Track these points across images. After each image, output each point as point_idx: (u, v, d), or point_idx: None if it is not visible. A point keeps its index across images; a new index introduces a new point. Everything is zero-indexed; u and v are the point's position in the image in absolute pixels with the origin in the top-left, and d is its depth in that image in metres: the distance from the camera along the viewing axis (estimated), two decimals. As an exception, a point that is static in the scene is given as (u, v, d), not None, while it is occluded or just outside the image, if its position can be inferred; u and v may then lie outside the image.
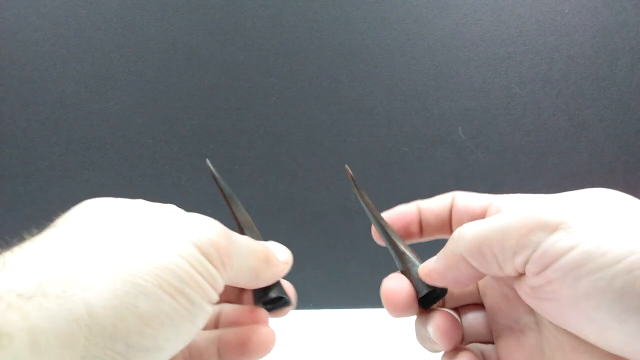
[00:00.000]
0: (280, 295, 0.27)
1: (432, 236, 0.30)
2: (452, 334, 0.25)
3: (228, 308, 0.28)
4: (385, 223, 0.29)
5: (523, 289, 0.21)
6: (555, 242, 0.18)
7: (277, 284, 0.27)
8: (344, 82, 0.48)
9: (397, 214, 0.29)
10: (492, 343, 0.27)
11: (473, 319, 0.28)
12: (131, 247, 0.20)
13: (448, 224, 0.29)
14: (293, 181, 0.49)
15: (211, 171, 0.30)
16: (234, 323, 0.27)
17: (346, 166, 0.31)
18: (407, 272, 0.27)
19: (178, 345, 0.20)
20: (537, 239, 0.19)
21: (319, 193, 0.49)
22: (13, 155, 0.48)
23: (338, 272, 0.49)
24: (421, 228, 0.29)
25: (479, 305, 0.28)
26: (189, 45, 0.48)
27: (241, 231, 0.29)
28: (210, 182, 0.47)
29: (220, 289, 0.22)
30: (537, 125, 0.49)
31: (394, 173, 0.49)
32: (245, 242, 0.24)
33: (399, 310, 0.26)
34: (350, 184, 0.30)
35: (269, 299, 0.27)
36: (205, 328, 0.27)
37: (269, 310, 0.28)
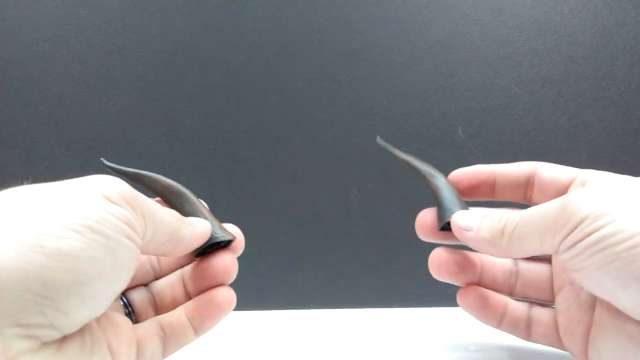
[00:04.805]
0: (213, 242, 0.29)
1: (504, 199, 0.33)
2: (444, 267, 0.32)
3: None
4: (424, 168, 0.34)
5: (559, 261, 0.26)
6: (582, 228, 0.23)
7: (211, 239, 0.29)
8: (344, 82, 0.48)
9: (472, 172, 0.33)
10: (547, 303, 0.32)
11: (535, 270, 0.33)
12: (35, 206, 0.21)
13: (523, 190, 0.32)
14: (293, 181, 0.49)
15: (110, 166, 0.32)
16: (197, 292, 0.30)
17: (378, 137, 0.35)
18: (438, 206, 0.32)
19: (105, 282, 0.21)
20: (568, 228, 0.24)
21: (319, 193, 0.49)
22: (13, 155, 0.48)
23: (338, 272, 0.49)
24: (494, 189, 0.33)
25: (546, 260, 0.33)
26: (189, 45, 0.48)
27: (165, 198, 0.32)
28: (210, 182, 0.47)
29: (138, 227, 0.23)
30: (537, 125, 0.49)
31: (394, 173, 0.49)
32: (152, 200, 0.26)
33: (422, 236, 0.33)
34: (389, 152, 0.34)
35: (203, 251, 0.29)
36: (175, 302, 0.30)
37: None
